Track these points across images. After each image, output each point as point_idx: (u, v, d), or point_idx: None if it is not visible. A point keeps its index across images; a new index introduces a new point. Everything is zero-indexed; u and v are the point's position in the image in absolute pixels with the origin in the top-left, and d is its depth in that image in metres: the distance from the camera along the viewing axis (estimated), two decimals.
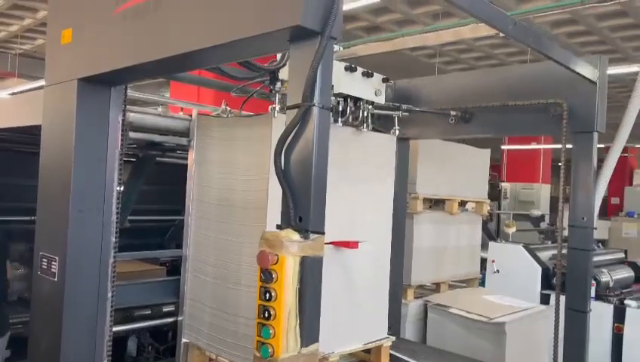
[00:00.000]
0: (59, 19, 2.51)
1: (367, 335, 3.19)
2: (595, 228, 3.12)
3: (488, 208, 5.85)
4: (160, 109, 3.34)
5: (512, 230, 6.57)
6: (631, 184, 16.80)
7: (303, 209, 1.52)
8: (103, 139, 2.45)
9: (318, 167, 1.52)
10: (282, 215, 1.58)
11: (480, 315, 4.19)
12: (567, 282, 3.15)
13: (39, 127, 2.67)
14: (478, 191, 5.31)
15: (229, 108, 3.19)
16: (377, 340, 3.23)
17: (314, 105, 1.51)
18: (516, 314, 4.31)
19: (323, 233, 1.53)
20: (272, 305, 1.47)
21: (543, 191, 14.96)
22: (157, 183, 4.75)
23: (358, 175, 3.11)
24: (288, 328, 1.46)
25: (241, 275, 2.77)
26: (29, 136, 3.52)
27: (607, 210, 15.91)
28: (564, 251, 3.14)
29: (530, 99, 3.37)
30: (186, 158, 4.43)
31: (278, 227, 1.58)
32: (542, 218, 9.71)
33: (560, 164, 3.17)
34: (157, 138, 3.07)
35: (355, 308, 3.09)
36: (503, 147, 15.53)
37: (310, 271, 1.51)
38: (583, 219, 3.11)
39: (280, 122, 2.65)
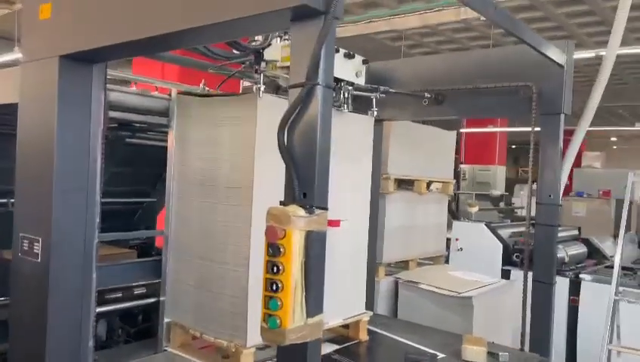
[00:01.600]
0: None
1: (347, 311, 3.29)
2: (561, 206, 3.30)
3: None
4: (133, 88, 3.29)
5: (474, 209, 6.81)
6: (580, 166, 17.60)
7: (307, 185, 1.57)
8: (85, 117, 2.40)
9: (322, 144, 1.57)
10: (286, 191, 1.62)
11: (449, 290, 4.36)
12: (534, 256, 3.33)
13: (10, 106, 2.60)
14: (445, 172, 5.48)
15: (207, 88, 3.17)
16: (356, 315, 3.34)
17: (318, 84, 1.55)
18: (482, 288, 4.51)
19: (326, 208, 1.59)
20: (279, 278, 1.51)
21: (499, 173, 15.49)
22: (124, 165, 4.68)
23: (339, 155, 3.15)
24: (295, 300, 1.52)
25: (226, 254, 2.80)
26: None
27: None
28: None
29: (500, 82, 3.50)
30: (156, 140, 4.37)
31: (282, 203, 1.62)
32: (501, 198, 10.09)
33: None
34: (135, 118, 3.02)
35: (335, 285, 3.16)
36: (462, 130, 15.91)
37: (315, 245, 1.56)
38: (550, 196, 3.29)
39: (265, 102, 2.68)
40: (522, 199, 10.00)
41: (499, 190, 13.06)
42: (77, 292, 2.41)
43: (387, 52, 10.33)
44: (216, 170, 2.86)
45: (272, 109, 2.69)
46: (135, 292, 3.73)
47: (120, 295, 3.71)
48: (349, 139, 3.24)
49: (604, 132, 19.62)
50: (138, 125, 3.88)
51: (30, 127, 2.45)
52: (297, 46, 1.61)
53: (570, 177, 17.43)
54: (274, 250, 1.51)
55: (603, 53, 8.15)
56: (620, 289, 4.25)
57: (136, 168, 4.81)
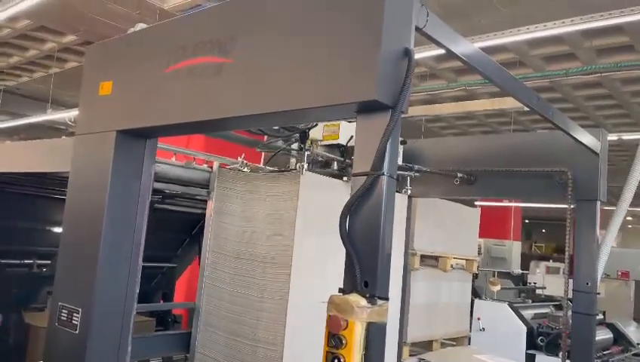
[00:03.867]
0: (98, 71, 2.55)
1: None
2: (599, 294, 3.23)
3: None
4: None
5: (496, 288, 6.68)
6: None
7: (369, 274, 1.56)
8: (135, 189, 2.45)
9: (385, 233, 1.57)
10: (346, 278, 1.60)
11: None
12: (571, 346, 3.22)
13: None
14: (469, 249, 5.42)
15: (246, 162, 3.24)
16: None
17: (383, 174, 1.58)
18: None
19: (388, 299, 1.57)
20: None
21: (514, 248, 15.27)
22: (149, 230, 4.72)
23: None
24: None
25: (258, 331, 2.74)
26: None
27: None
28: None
29: (532, 166, 3.53)
30: (183, 205, 4.40)
31: (341, 291, 1.60)
32: (521, 276, 9.93)
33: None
34: (178, 188, 3.07)
35: None
36: (476, 203, 15.87)
37: (376, 337, 1.53)
38: (587, 284, 3.23)
39: (308, 179, 2.73)
40: (540, 277, 9.84)
41: (515, 266, 12.81)
42: None
43: (418, 132, 10.50)
44: (254, 244, 2.87)
45: (313, 186, 2.74)
46: None
47: None
48: None
49: None
50: (167, 192, 3.94)
51: (80, 196, 2.49)
52: (362, 136, 1.66)
53: None
54: (336, 341, 1.48)
55: (626, 137, 8.26)
56: None
57: (160, 233, 4.83)
